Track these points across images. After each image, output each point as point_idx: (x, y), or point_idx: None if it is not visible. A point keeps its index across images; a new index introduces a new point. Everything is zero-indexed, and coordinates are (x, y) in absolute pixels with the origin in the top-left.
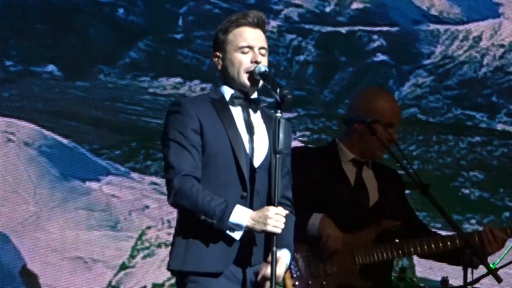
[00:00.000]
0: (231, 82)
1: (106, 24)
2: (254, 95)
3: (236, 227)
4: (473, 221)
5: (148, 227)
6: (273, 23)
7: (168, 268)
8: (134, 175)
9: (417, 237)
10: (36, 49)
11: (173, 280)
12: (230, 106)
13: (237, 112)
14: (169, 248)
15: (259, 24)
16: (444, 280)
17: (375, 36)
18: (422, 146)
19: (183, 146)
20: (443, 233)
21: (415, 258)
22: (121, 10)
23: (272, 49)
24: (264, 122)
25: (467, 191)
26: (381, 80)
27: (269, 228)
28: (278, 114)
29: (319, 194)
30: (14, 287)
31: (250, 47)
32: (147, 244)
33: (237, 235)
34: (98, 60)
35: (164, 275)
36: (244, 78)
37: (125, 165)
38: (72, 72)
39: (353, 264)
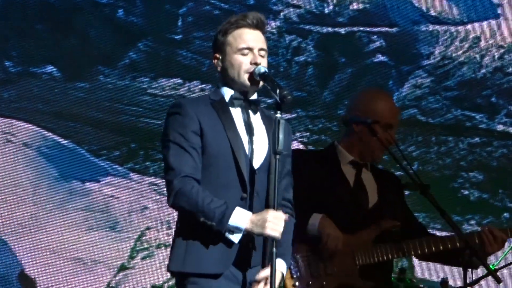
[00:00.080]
0: (231, 83)
1: (106, 25)
2: (254, 96)
3: (235, 229)
4: (472, 221)
5: (148, 228)
6: (273, 24)
7: (168, 270)
8: (134, 176)
9: (416, 239)
10: (36, 50)
11: (172, 281)
12: (230, 108)
13: (237, 113)
14: (168, 249)
15: (259, 26)
16: (444, 281)
17: (374, 37)
18: (421, 147)
19: (183, 147)
20: (443, 234)
21: (415, 259)
22: (120, 11)
23: (271, 50)
24: (264, 123)
25: (466, 192)
26: (381, 81)
27: (268, 231)
28: (278, 115)
29: (319, 195)
30: None
31: (250, 49)
32: (146, 245)
33: (236, 237)
34: (97, 61)
35: (163, 276)
36: (245, 78)
37: (125, 166)
38: (71, 73)
39: (353, 264)
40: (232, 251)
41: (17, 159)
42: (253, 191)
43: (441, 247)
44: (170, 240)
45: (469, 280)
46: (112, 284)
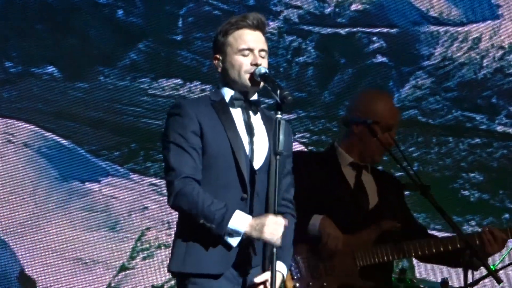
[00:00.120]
0: (232, 84)
1: (106, 25)
2: (254, 97)
3: (234, 233)
4: (472, 222)
5: (148, 228)
6: (273, 25)
7: (169, 270)
8: (134, 176)
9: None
10: (36, 50)
11: (173, 282)
12: (230, 108)
13: (237, 114)
14: (168, 249)
15: (259, 26)
16: (444, 281)
17: (374, 38)
18: (422, 147)
19: (183, 148)
20: (443, 234)
21: (415, 259)
22: (120, 11)
23: (271, 51)
24: (264, 123)
25: (467, 193)
26: (381, 81)
27: (266, 236)
28: (279, 116)
29: (319, 197)
30: None
31: (250, 50)
32: (146, 245)
33: (235, 241)
34: (97, 61)
35: (163, 276)
36: (245, 79)
37: (125, 166)
38: (72, 73)
39: (354, 265)
40: (233, 251)
41: (17, 159)
42: (253, 192)
43: (441, 248)
44: (171, 241)
45: (469, 281)
46: (113, 284)
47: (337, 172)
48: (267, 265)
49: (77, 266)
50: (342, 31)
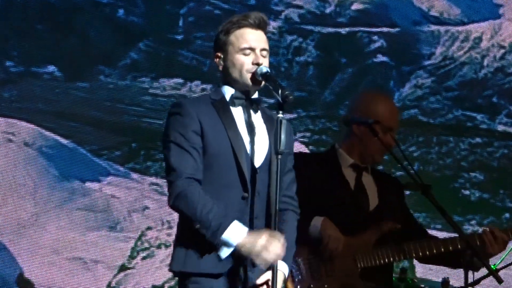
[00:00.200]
0: (233, 82)
1: (106, 25)
2: (255, 95)
3: (226, 244)
4: (473, 222)
5: (148, 228)
6: (274, 24)
7: (170, 269)
8: (134, 175)
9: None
10: (37, 50)
11: (173, 282)
12: (231, 107)
13: (237, 112)
14: (169, 249)
15: (261, 25)
16: (445, 281)
17: (375, 37)
18: (422, 147)
19: (184, 148)
20: (443, 234)
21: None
22: (121, 11)
23: (272, 50)
24: (265, 122)
25: (467, 192)
26: (382, 81)
27: (253, 257)
28: (280, 115)
29: (320, 198)
30: None
31: (252, 49)
32: (147, 245)
33: (225, 253)
34: (98, 61)
35: (164, 276)
36: (247, 78)
37: (125, 166)
38: (72, 73)
39: (354, 266)
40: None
41: (18, 158)
42: (254, 191)
43: (442, 249)
44: (171, 240)
45: (470, 280)
46: (113, 284)
47: (337, 174)
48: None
49: (77, 266)
50: (343, 31)
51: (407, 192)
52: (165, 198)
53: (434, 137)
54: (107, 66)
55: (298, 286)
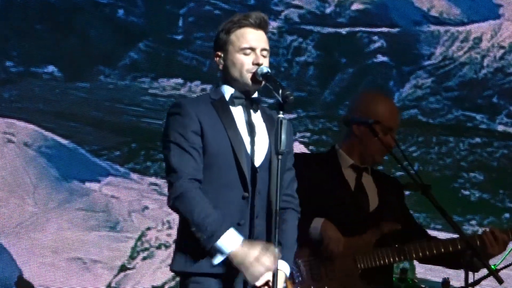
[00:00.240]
0: (233, 82)
1: (106, 25)
2: (255, 95)
3: (219, 251)
4: (473, 222)
5: (148, 228)
6: (274, 24)
7: (171, 269)
8: (134, 176)
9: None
10: (37, 50)
11: (173, 282)
12: (230, 106)
13: (237, 112)
14: (168, 250)
15: (261, 25)
16: (445, 281)
17: (375, 37)
18: (422, 147)
19: (184, 148)
20: (443, 234)
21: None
22: (121, 11)
23: (272, 50)
24: (264, 121)
25: (467, 192)
26: (381, 81)
27: (244, 268)
28: (281, 115)
29: (320, 199)
30: None
31: (252, 49)
32: (146, 245)
33: (218, 259)
34: (98, 61)
35: (163, 276)
36: (247, 78)
37: (125, 166)
38: (72, 73)
39: (355, 268)
40: None
41: (18, 159)
42: (255, 190)
43: (442, 250)
44: (171, 241)
45: (470, 281)
46: (113, 284)
47: (337, 174)
48: None
49: (77, 266)
50: (343, 31)
51: (407, 192)
52: (165, 199)
53: (434, 137)
54: (107, 66)
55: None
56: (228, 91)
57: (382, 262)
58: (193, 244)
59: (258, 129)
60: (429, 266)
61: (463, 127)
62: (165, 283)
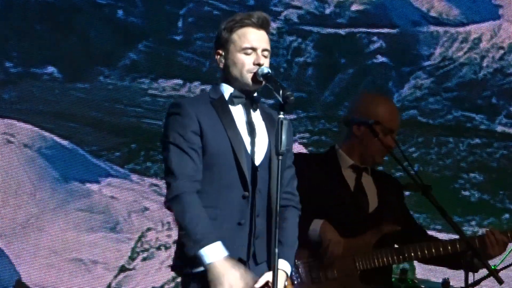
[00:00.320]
0: (233, 81)
1: (106, 25)
2: (254, 94)
3: (200, 259)
4: (473, 222)
5: (148, 229)
6: (273, 25)
7: (173, 269)
8: (134, 176)
9: (416, 242)
10: (36, 51)
11: (172, 283)
12: (230, 106)
13: (236, 111)
14: (168, 251)
15: (263, 25)
16: (445, 282)
17: (374, 38)
18: (422, 148)
19: (183, 149)
20: (443, 234)
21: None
22: (120, 12)
23: (272, 51)
24: (264, 120)
25: (467, 193)
26: (381, 81)
27: (213, 285)
28: (281, 116)
29: (319, 199)
30: None
31: (254, 49)
32: (146, 246)
33: (197, 268)
34: (98, 61)
35: (163, 277)
36: (248, 78)
37: (125, 167)
38: (72, 74)
39: (354, 269)
40: (236, 249)
41: (18, 160)
42: (255, 189)
43: (441, 251)
44: (171, 242)
45: (470, 281)
46: (113, 285)
47: (337, 174)
48: (271, 264)
49: (77, 267)
50: (342, 31)
51: (407, 193)
52: None
53: (434, 138)
54: (107, 66)
55: None
56: (227, 90)
57: (381, 263)
58: None
59: (258, 128)
60: (429, 266)
61: (462, 128)
62: (165, 284)
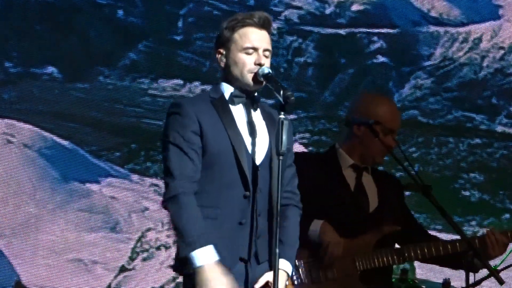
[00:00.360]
0: (233, 80)
1: (106, 25)
2: (254, 94)
3: (190, 261)
4: (473, 222)
5: (148, 229)
6: (273, 25)
7: (174, 269)
8: (134, 176)
9: (417, 242)
10: (36, 51)
11: (172, 284)
12: (230, 105)
13: (237, 111)
14: (169, 251)
15: (265, 25)
16: (446, 282)
17: (375, 38)
18: (422, 148)
19: (183, 149)
20: (444, 234)
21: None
22: (120, 12)
23: (272, 51)
24: (264, 119)
25: (467, 193)
26: (381, 82)
27: None
28: (282, 116)
29: (320, 199)
30: None
31: (255, 49)
32: (146, 246)
33: (188, 269)
34: (97, 61)
35: (163, 277)
36: (248, 78)
37: (125, 167)
38: (72, 74)
39: (354, 269)
40: (238, 248)
41: (18, 160)
42: (256, 188)
43: (441, 251)
44: (171, 242)
45: (471, 281)
46: (113, 285)
47: (337, 174)
48: (272, 264)
49: (77, 267)
50: (343, 32)
51: (408, 193)
52: None
53: (434, 138)
54: (107, 66)
55: None
56: (227, 89)
57: (381, 263)
58: None
59: (258, 127)
60: (430, 266)
61: (463, 128)
62: (165, 284)
